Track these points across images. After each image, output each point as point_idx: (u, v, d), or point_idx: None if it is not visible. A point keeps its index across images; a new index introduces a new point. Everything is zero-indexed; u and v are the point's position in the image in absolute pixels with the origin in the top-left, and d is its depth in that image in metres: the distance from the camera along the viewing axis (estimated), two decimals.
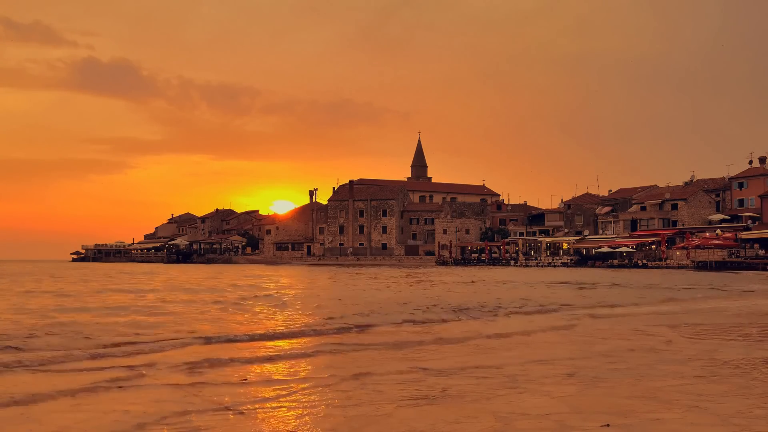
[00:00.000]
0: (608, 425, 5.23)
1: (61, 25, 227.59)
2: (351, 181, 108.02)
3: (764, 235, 61.37)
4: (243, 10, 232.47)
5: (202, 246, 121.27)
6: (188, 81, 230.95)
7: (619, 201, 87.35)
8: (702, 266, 58.07)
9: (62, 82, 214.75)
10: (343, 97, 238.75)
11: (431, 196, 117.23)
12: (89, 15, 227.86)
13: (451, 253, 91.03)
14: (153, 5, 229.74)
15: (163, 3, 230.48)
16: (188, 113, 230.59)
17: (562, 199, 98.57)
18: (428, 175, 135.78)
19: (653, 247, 69.73)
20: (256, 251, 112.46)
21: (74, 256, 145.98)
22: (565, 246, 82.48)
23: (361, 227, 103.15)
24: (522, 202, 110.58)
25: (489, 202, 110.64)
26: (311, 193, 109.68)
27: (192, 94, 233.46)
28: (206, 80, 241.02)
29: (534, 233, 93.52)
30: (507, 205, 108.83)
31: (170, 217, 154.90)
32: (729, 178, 78.13)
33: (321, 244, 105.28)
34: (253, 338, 11.29)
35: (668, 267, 61.68)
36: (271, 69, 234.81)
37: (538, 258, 79.49)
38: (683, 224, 74.62)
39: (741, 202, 75.29)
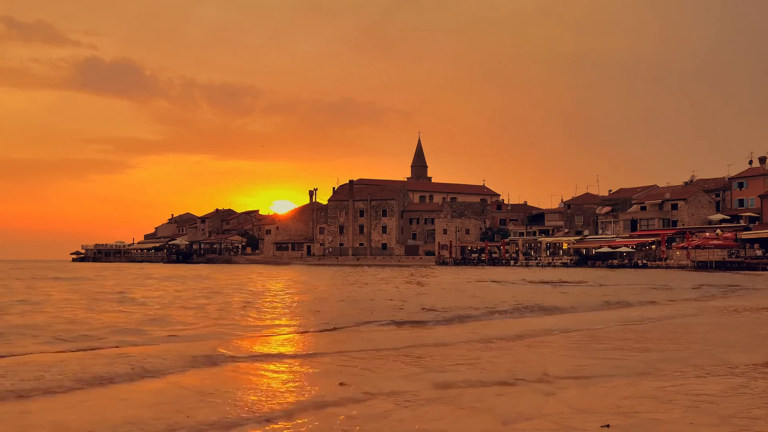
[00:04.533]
0: (608, 425, 5.22)
1: (64, 24, 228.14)
2: (351, 181, 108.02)
3: (764, 235, 61.39)
4: (245, 10, 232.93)
5: (202, 246, 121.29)
6: (190, 81, 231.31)
7: (619, 201, 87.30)
8: (702, 266, 58.07)
9: (65, 81, 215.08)
10: (345, 97, 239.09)
11: (431, 196, 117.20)
12: (92, 15, 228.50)
13: (451, 253, 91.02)
14: (156, 5, 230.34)
15: (167, 3, 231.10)
16: (190, 113, 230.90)
17: (562, 199, 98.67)
18: (428, 175, 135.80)
19: (653, 247, 69.74)
20: (256, 251, 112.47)
21: (74, 256, 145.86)
22: (565, 246, 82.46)
23: (361, 227, 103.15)
24: (522, 202, 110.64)
25: (489, 202, 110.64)
26: (311, 193, 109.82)
27: (194, 94, 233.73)
28: (208, 80, 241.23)
29: (534, 233, 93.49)
30: (507, 205, 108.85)
31: (170, 217, 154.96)
32: (729, 178, 78.11)
33: (321, 244, 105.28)
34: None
35: (668, 267, 61.67)
36: (273, 69, 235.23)
37: (538, 258, 79.46)
38: (683, 224, 74.59)
39: (741, 202, 75.28)
